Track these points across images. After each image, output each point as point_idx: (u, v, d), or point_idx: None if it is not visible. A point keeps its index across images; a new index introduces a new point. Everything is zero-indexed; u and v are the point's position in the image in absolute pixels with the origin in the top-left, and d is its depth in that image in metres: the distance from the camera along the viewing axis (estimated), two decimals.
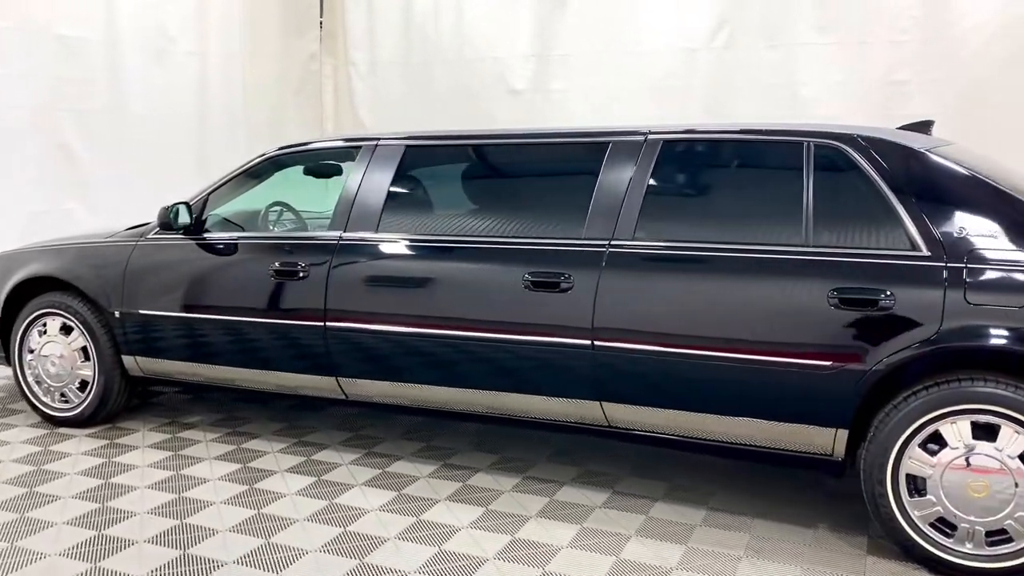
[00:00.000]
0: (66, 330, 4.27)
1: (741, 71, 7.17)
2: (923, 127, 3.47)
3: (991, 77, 6.39)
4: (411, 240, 3.55)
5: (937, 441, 2.80)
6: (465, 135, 3.71)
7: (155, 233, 4.09)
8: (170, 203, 3.91)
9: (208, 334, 3.90)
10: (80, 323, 4.20)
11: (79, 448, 4.05)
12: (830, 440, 2.93)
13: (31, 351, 4.33)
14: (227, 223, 4.08)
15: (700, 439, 3.13)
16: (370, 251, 3.59)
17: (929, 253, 2.79)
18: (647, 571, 2.87)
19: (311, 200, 4.45)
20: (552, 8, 7.72)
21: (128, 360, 4.16)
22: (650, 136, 3.28)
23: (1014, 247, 2.71)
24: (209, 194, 4.03)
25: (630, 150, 3.27)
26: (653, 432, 3.20)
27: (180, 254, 3.99)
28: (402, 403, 3.63)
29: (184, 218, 3.90)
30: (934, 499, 2.79)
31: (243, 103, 7.85)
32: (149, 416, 4.53)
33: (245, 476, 3.71)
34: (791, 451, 3.02)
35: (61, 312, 4.24)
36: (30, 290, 4.29)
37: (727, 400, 3.02)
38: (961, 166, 2.91)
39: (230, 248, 3.89)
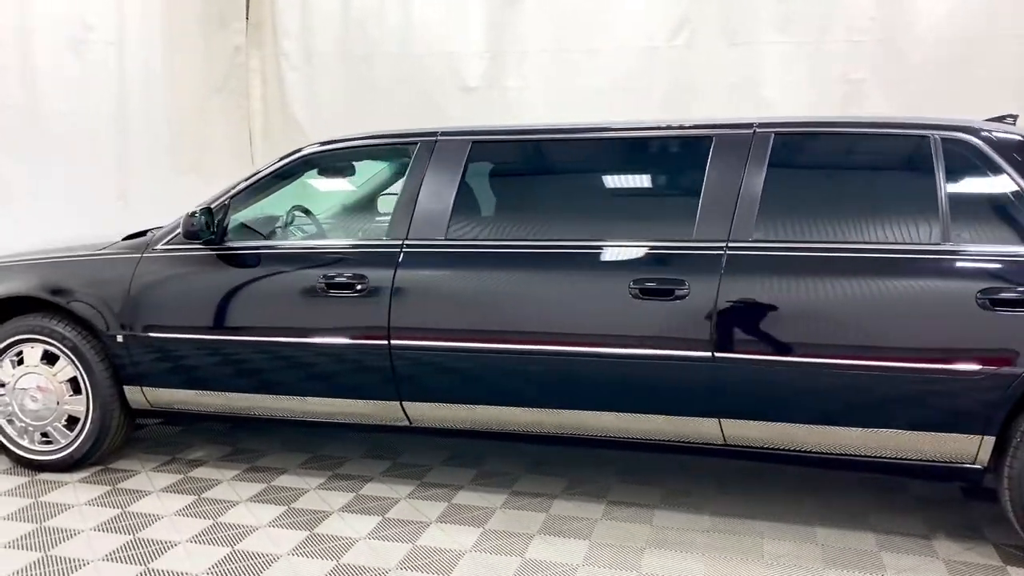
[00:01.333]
0: (49, 359, 3.65)
1: (702, 70, 7.09)
2: (1006, 120, 3.41)
3: (944, 76, 6.55)
4: (490, 246, 3.19)
5: None
6: (540, 129, 3.38)
7: (165, 244, 3.54)
8: (193, 209, 3.38)
9: (240, 359, 3.41)
10: (69, 350, 3.59)
11: (78, 497, 3.46)
12: (975, 448, 2.79)
13: (2, 385, 3.67)
14: (249, 231, 3.57)
15: (834, 454, 2.93)
16: (441, 259, 3.21)
17: None
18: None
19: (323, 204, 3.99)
20: (506, 3, 7.42)
21: (132, 391, 3.59)
22: (758, 129, 3.05)
23: None
24: (231, 198, 3.51)
25: (738, 144, 3.04)
26: (780, 449, 2.97)
27: (202, 268, 3.47)
28: (479, 428, 3.27)
29: (212, 226, 3.37)
30: None
31: (163, 99, 7.17)
32: (140, 454, 3.96)
33: (297, 519, 3.25)
34: (931, 461, 2.86)
35: (43, 338, 3.62)
36: None
37: (867, 411, 2.84)
38: None
39: (267, 260, 3.41)
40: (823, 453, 2.96)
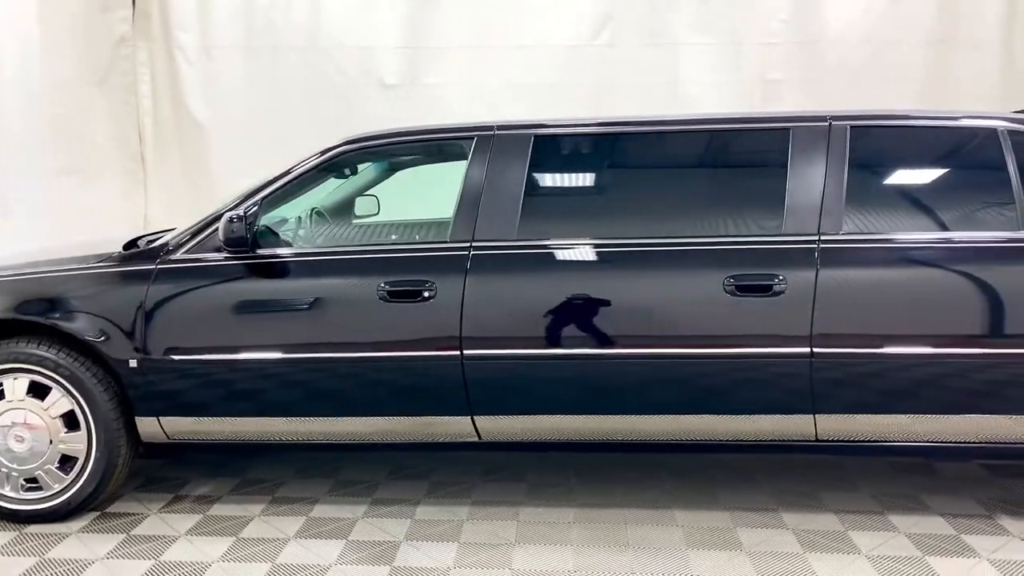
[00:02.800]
0: (37, 391, 3.12)
1: (626, 68, 7.15)
2: None
3: (856, 78, 6.93)
4: (569, 245, 3.02)
5: None
6: (605, 122, 3.23)
7: (186, 252, 3.11)
8: (231, 212, 2.98)
9: (285, 380, 3.05)
10: (66, 380, 3.10)
11: (94, 550, 2.99)
12: None
13: None
14: (275, 237, 3.21)
15: (937, 443, 2.96)
16: (516, 260, 3.00)
17: None
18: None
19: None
20: None
21: (146, 423, 3.14)
22: (834, 122, 3.06)
23: None
24: (263, 201, 3.13)
25: (816, 137, 3.03)
26: (872, 441, 2.98)
27: (237, 279, 3.07)
28: (557, 438, 3.09)
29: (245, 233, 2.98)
30: None
31: (41, 94, 6.42)
32: (134, 494, 3.49)
33: (366, 553, 2.96)
34: (1011, 443, 2.95)
35: (29, 367, 3.09)
36: None
37: (967, 398, 2.89)
38: None
39: (314, 268, 3.07)
40: (935, 442, 2.97)
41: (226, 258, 3.07)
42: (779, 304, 2.90)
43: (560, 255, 3.02)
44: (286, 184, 3.17)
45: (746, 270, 2.93)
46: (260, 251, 3.09)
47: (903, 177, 3.14)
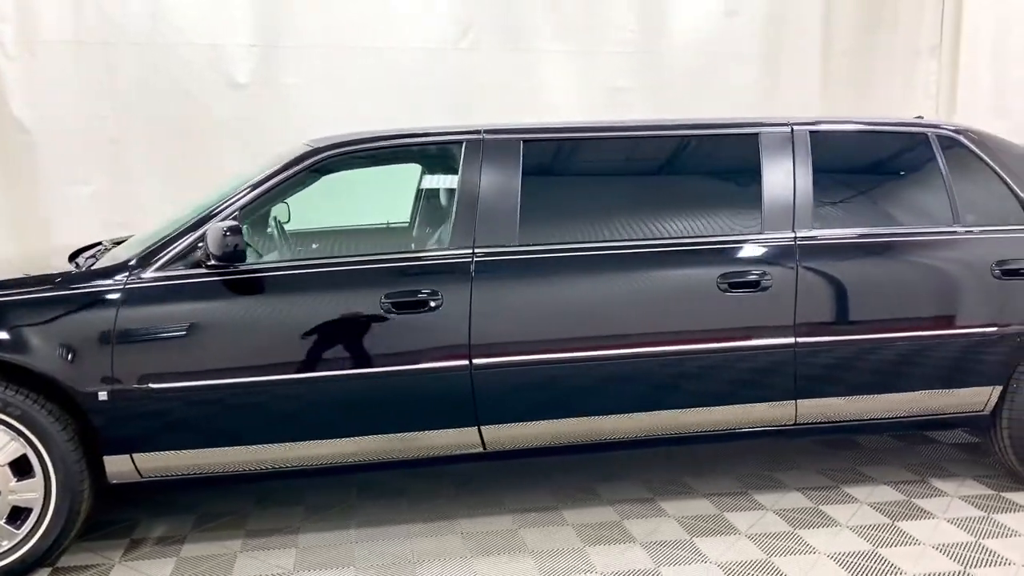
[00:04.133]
0: None
1: (486, 73, 7.24)
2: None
3: (696, 86, 7.43)
4: (573, 248, 3.05)
5: None
6: (589, 127, 3.27)
7: (159, 269, 2.81)
8: (222, 224, 2.72)
9: (281, 401, 2.84)
10: (16, 420, 2.70)
11: None
12: (987, 398, 3.32)
13: None
14: (251, 249, 2.99)
15: (874, 420, 3.27)
16: (520, 267, 3.00)
17: None
18: None
19: None
20: None
21: (116, 461, 2.80)
22: (795, 127, 3.30)
23: None
24: (240, 212, 2.89)
25: (782, 142, 3.26)
26: (836, 422, 3.25)
27: (224, 296, 2.82)
28: (555, 443, 3.11)
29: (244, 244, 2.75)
30: None
31: None
32: (80, 543, 3.06)
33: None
34: (954, 414, 3.33)
35: None
36: None
37: (916, 377, 3.23)
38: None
39: (306, 281, 2.88)
40: (867, 420, 3.28)
41: (212, 273, 2.80)
42: (767, 299, 3.08)
43: (562, 258, 3.03)
44: (264, 193, 2.95)
45: (736, 268, 3.09)
46: (241, 265, 2.84)
47: (856, 178, 3.44)
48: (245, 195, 2.92)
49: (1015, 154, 3.47)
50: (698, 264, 3.09)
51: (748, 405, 3.15)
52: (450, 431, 2.99)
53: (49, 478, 2.75)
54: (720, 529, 3.14)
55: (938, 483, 3.57)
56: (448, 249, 2.98)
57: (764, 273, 3.09)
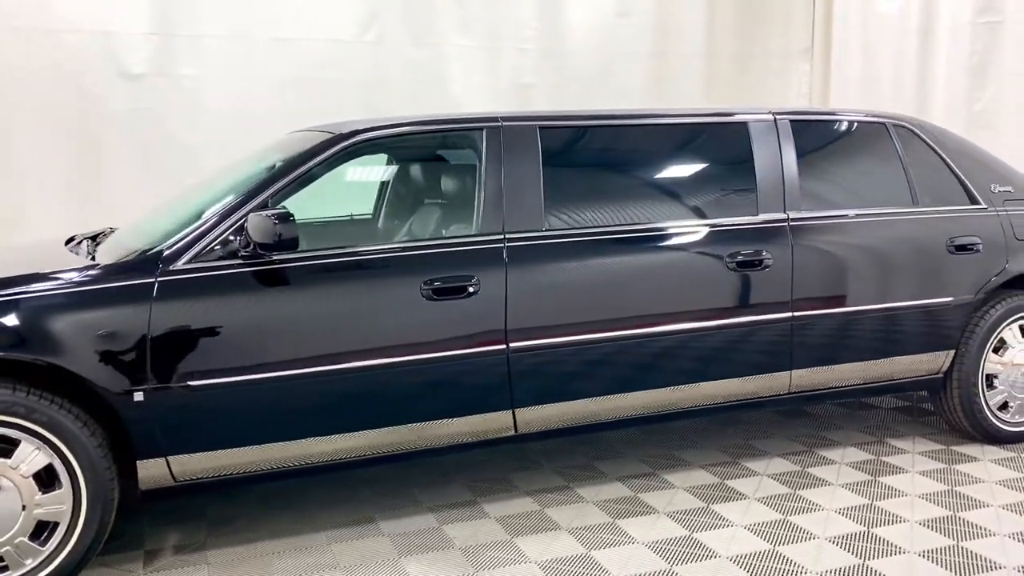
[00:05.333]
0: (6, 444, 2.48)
1: (392, 66, 7.21)
2: None
3: (592, 85, 7.70)
4: (598, 233, 3.14)
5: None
6: (600, 115, 3.37)
7: (192, 260, 2.67)
8: (265, 213, 2.62)
9: (327, 393, 2.77)
10: (42, 427, 2.49)
11: None
12: (943, 361, 3.70)
13: None
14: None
15: (852, 386, 3.59)
16: (549, 251, 3.06)
17: (985, 205, 3.76)
18: None
19: None
20: None
21: (150, 465, 2.64)
22: (777, 117, 3.55)
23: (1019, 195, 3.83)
24: (270, 197, 2.79)
25: (768, 130, 3.50)
26: (821, 389, 3.52)
27: (266, 286, 2.71)
28: (584, 423, 3.20)
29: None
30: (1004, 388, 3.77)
31: None
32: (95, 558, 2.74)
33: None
34: (917, 377, 3.70)
35: None
36: None
37: (891, 344, 3.56)
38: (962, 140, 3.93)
39: (348, 269, 2.82)
40: (855, 385, 3.59)
41: (245, 264, 2.68)
42: (766, 277, 3.30)
43: (587, 242, 3.12)
44: (294, 181, 2.85)
45: (743, 247, 3.29)
46: (279, 255, 2.75)
47: (831, 162, 3.72)
48: (276, 183, 2.81)
49: (955, 142, 3.88)
50: (704, 247, 3.25)
51: (753, 376, 3.36)
52: (485, 416, 3.00)
53: (78, 489, 2.54)
54: (640, 510, 3.19)
55: (895, 442, 3.93)
56: (481, 235, 2.99)
57: (765, 252, 3.30)
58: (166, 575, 2.77)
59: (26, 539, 2.51)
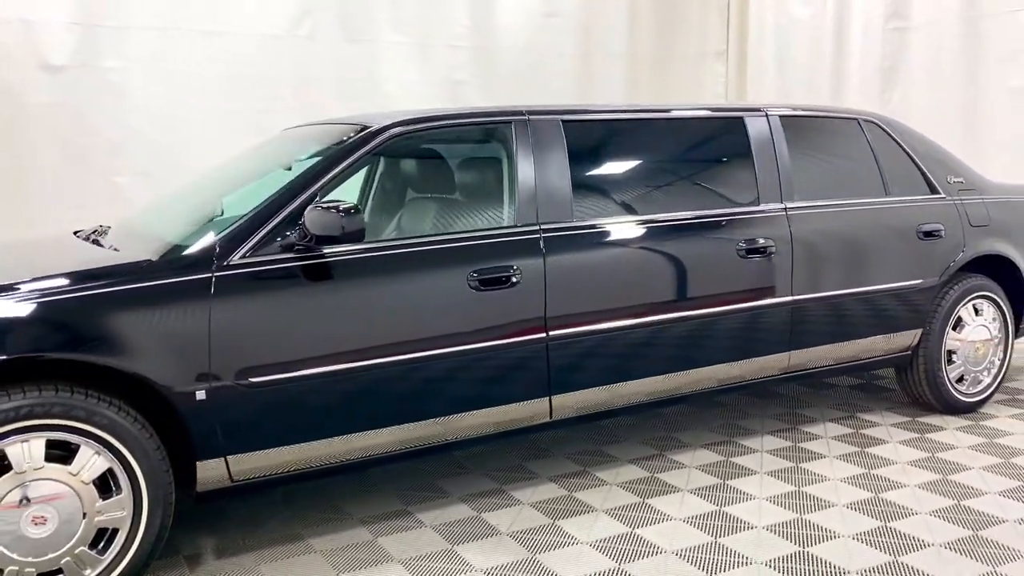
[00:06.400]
0: (58, 452, 2.36)
1: (326, 63, 7.14)
2: None
3: (523, 83, 7.85)
4: (620, 223, 3.25)
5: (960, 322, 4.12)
6: (618, 109, 3.48)
7: (247, 255, 2.61)
8: (326, 204, 2.59)
9: (384, 385, 2.77)
10: (103, 430, 2.39)
11: None
12: (913, 339, 4.03)
13: None
14: None
15: (840, 363, 3.85)
16: (581, 241, 3.15)
17: (944, 194, 4.11)
18: None
19: None
20: None
21: (209, 466, 2.56)
22: (769, 113, 3.77)
23: (972, 187, 4.19)
24: (319, 190, 2.76)
25: (762, 125, 3.72)
26: (812, 369, 3.77)
27: (324, 279, 2.67)
28: (616, 406, 3.32)
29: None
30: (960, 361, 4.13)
31: None
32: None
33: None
34: (892, 355, 4.00)
35: (47, 422, 2.33)
36: None
37: (874, 324, 3.84)
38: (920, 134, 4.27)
39: (408, 258, 2.82)
40: (843, 363, 3.86)
41: (303, 258, 2.64)
42: (770, 264, 3.50)
43: (616, 232, 3.22)
44: (340, 174, 2.82)
45: (751, 235, 3.47)
46: (333, 248, 2.72)
47: (814, 155, 3.95)
48: (324, 176, 2.77)
49: (915, 137, 4.20)
50: (721, 234, 3.42)
51: (762, 358, 3.55)
52: (523, 403, 3.06)
53: (139, 493, 2.44)
54: (576, 509, 3.15)
55: (867, 416, 4.22)
56: (519, 226, 3.04)
57: (769, 239, 3.50)
58: None
59: (86, 548, 2.38)
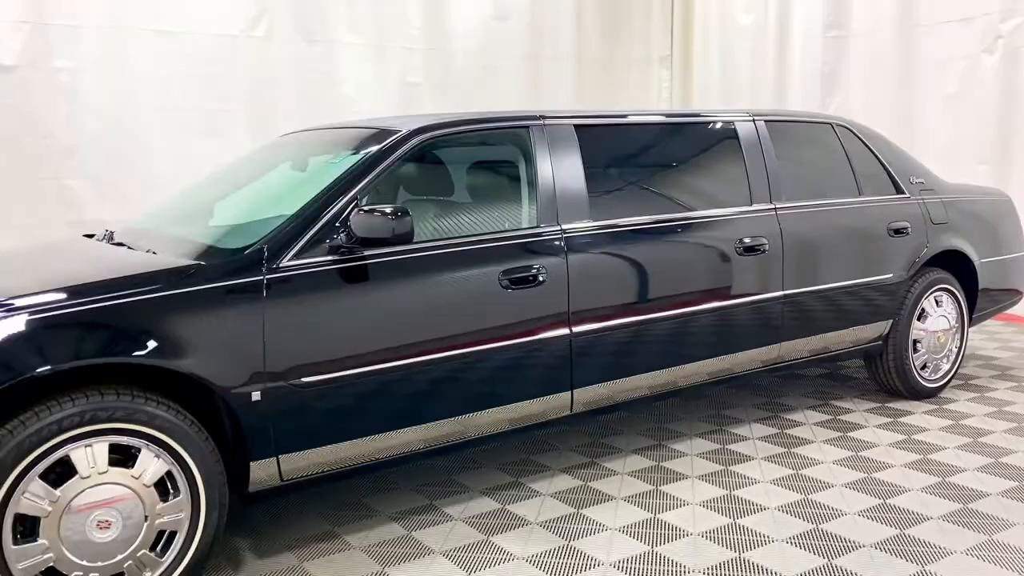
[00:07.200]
0: (117, 455, 2.37)
1: (282, 63, 7.12)
2: None
3: (476, 83, 7.97)
4: (634, 224, 3.40)
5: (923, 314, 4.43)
6: (623, 114, 3.61)
7: (296, 257, 2.65)
8: (386, 207, 2.65)
9: (423, 382, 2.84)
10: (164, 433, 2.40)
11: None
12: (885, 329, 4.31)
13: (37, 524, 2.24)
14: None
15: (818, 354, 4.08)
16: (598, 240, 3.29)
17: (908, 194, 4.41)
18: None
19: None
20: None
21: (262, 467, 2.58)
22: (756, 118, 3.98)
23: (931, 187, 4.51)
24: (358, 193, 2.82)
25: (750, 128, 3.93)
26: (797, 359, 4.00)
27: (372, 280, 2.73)
28: (632, 397, 3.46)
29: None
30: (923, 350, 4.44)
31: None
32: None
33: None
34: (865, 345, 4.27)
35: (110, 426, 2.33)
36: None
37: (851, 316, 4.09)
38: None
39: (449, 259, 2.90)
40: (821, 353, 4.09)
41: (348, 260, 2.69)
42: (764, 261, 3.71)
43: (630, 231, 3.37)
44: (377, 176, 2.87)
45: (749, 235, 3.67)
46: (374, 250, 2.78)
47: (795, 158, 4.18)
48: (363, 179, 2.83)
49: (880, 139, 4.48)
50: (719, 233, 3.61)
51: (755, 350, 3.74)
52: (547, 398, 3.17)
53: (196, 495, 2.45)
54: (510, 523, 3.07)
55: (840, 404, 4.48)
56: (542, 227, 3.15)
57: (763, 238, 3.70)
58: None
59: (147, 551, 2.39)
